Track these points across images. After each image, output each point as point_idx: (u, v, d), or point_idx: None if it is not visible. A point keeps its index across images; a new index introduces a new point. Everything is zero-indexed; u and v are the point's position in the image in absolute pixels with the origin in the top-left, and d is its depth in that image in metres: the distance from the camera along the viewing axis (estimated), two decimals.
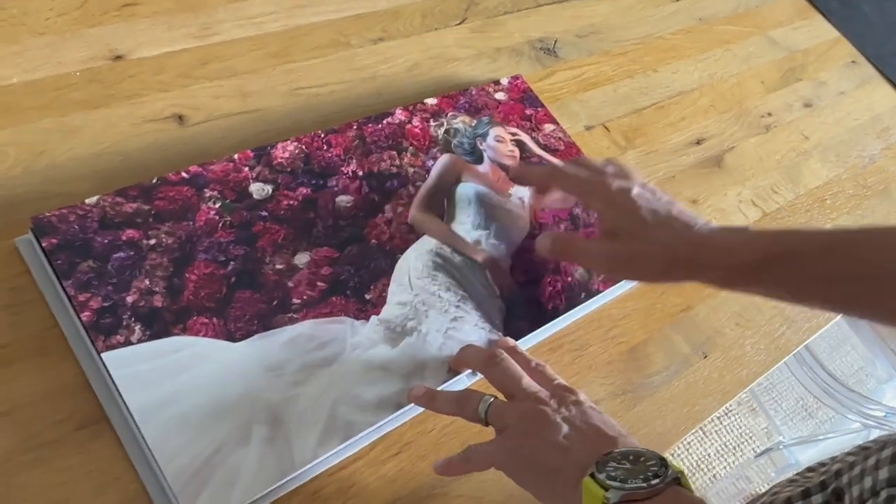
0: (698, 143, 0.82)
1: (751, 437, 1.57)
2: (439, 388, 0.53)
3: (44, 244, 0.48)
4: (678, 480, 0.42)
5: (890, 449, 0.48)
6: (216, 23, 0.67)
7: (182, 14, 0.66)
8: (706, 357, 0.67)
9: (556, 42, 0.83)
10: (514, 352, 0.53)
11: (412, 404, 0.51)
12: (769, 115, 0.90)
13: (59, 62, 0.59)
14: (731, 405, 1.62)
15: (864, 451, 0.51)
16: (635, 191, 0.52)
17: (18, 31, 0.59)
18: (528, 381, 0.50)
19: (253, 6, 0.69)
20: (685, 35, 0.93)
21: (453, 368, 0.54)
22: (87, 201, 0.51)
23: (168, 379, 0.47)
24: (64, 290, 0.48)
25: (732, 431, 1.59)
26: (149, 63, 0.62)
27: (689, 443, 1.55)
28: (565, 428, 0.46)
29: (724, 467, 1.54)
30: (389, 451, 0.52)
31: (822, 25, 1.07)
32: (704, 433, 1.58)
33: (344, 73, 0.69)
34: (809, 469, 0.57)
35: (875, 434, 1.14)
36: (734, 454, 1.55)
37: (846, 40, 1.06)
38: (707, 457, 1.54)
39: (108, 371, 0.46)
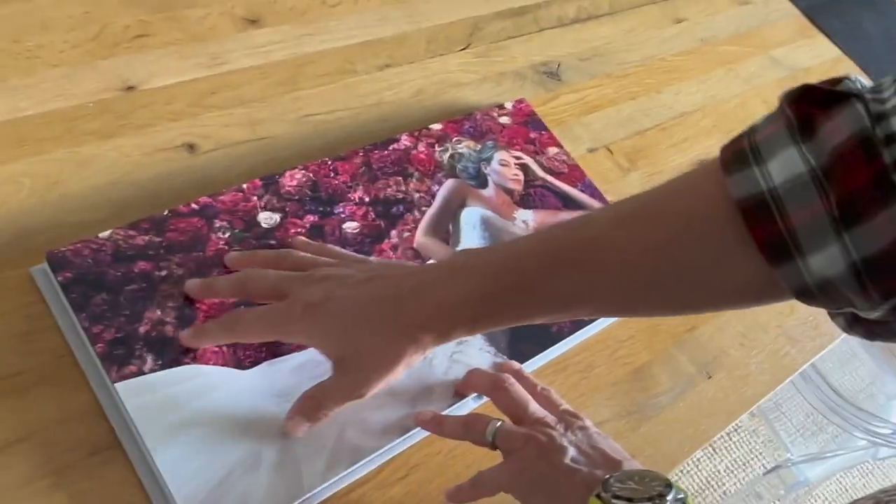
0: (701, 163, 0.83)
1: (761, 455, 1.57)
2: (445, 412, 0.54)
3: (59, 278, 0.49)
4: (683, 501, 0.43)
5: None
6: (225, 52, 0.68)
7: (192, 44, 0.67)
8: (711, 377, 0.67)
9: (558, 66, 0.84)
10: (519, 376, 0.54)
11: (419, 428, 0.52)
12: None
13: (72, 93, 0.61)
14: (740, 422, 1.62)
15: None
16: (321, 298, 0.47)
17: (33, 64, 0.61)
18: (534, 406, 0.51)
19: (261, 35, 0.71)
20: (687, 56, 0.94)
21: (459, 392, 0.55)
22: (100, 235, 0.52)
23: (179, 407, 0.48)
24: (78, 321, 0.49)
25: (742, 448, 1.59)
26: (160, 93, 0.63)
27: (698, 459, 1.55)
28: (572, 451, 0.47)
29: (735, 484, 1.53)
30: (397, 474, 0.53)
31: (824, 44, 1.08)
32: (714, 450, 1.57)
33: (350, 99, 0.71)
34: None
35: (884, 452, 1.14)
36: (744, 470, 1.55)
37: (848, 58, 1.07)
38: (717, 473, 1.54)
39: (121, 400, 0.47)
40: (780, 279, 0.36)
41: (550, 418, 0.50)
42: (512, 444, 0.48)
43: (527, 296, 0.44)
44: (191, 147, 0.62)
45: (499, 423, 0.49)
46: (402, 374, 0.47)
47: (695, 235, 0.40)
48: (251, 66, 0.68)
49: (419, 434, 0.53)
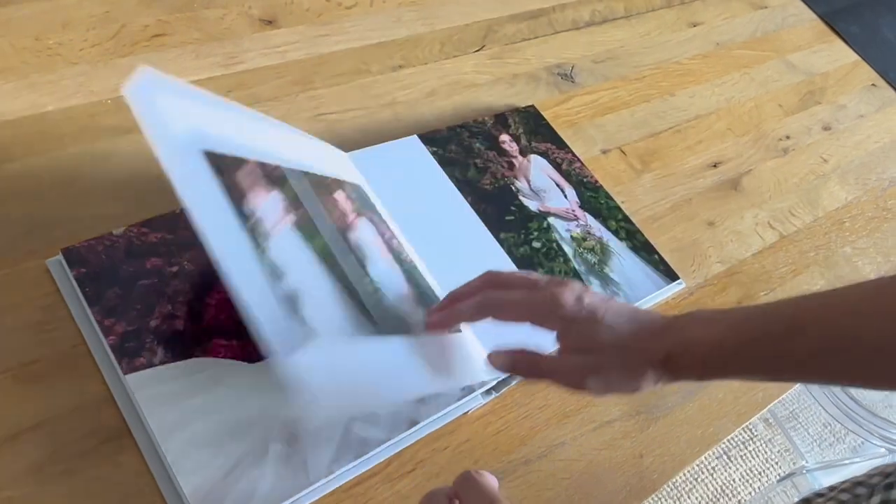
0: (715, 166, 0.83)
1: (776, 464, 1.55)
2: (452, 407, 0.54)
3: (73, 273, 0.50)
4: None
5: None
6: (242, 52, 0.69)
7: (209, 44, 0.68)
8: None
9: (573, 68, 0.84)
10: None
11: (425, 422, 0.53)
12: (787, 138, 0.90)
13: (91, 90, 0.62)
14: (756, 430, 1.60)
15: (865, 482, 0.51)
16: (587, 299, 0.49)
17: (55, 61, 0.62)
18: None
19: (277, 36, 0.72)
20: (702, 60, 0.94)
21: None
22: (114, 232, 0.53)
23: (188, 399, 0.48)
24: (91, 314, 0.50)
25: (758, 457, 1.57)
26: None
27: (713, 468, 1.53)
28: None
29: (749, 492, 1.52)
30: (404, 468, 0.53)
31: (842, 49, 1.07)
32: (729, 458, 1.56)
33: (364, 99, 0.71)
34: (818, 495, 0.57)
35: None
36: (759, 479, 1.53)
37: (866, 63, 1.07)
38: (731, 482, 1.52)
39: (131, 391, 0.48)
40: None
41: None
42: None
43: (769, 347, 0.45)
44: None
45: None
46: (628, 392, 0.49)
47: None
48: (267, 66, 0.69)
49: (427, 428, 0.54)
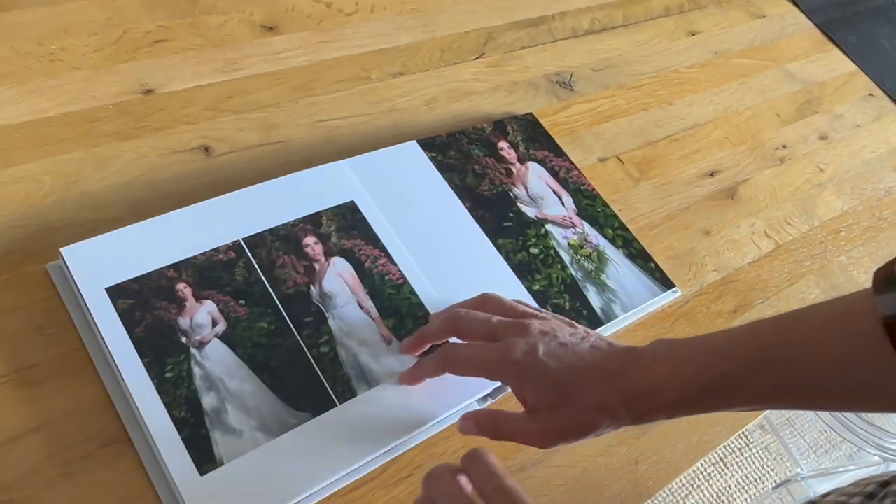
0: (712, 174, 0.84)
1: (772, 471, 1.56)
2: (444, 416, 0.54)
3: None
4: None
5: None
6: (242, 58, 0.70)
7: (210, 50, 0.69)
8: None
9: (571, 76, 0.85)
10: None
11: (421, 429, 0.53)
12: (784, 147, 0.91)
13: (93, 96, 0.62)
14: (752, 437, 1.61)
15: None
16: (541, 350, 0.48)
17: (56, 67, 0.63)
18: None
19: (278, 42, 0.72)
20: (701, 69, 0.95)
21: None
22: None
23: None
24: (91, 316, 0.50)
25: (754, 464, 1.58)
26: (177, 97, 0.65)
27: (709, 474, 1.54)
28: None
29: (745, 499, 1.52)
30: (401, 473, 0.54)
31: (840, 59, 1.08)
32: (725, 465, 1.56)
33: (364, 106, 0.72)
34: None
35: (894, 467, 1.13)
36: (755, 486, 1.53)
37: (863, 73, 1.07)
38: (728, 488, 1.53)
39: (131, 396, 0.48)
40: None
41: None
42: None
43: (734, 385, 0.45)
44: (206, 149, 0.63)
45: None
46: (583, 439, 0.48)
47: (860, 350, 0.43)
48: (268, 72, 0.70)
49: (422, 435, 0.54)
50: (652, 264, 0.70)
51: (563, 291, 0.64)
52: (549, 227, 0.68)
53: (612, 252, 0.69)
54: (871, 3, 1.22)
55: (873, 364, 0.41)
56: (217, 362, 0.51)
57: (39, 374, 0.49)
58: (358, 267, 0.59)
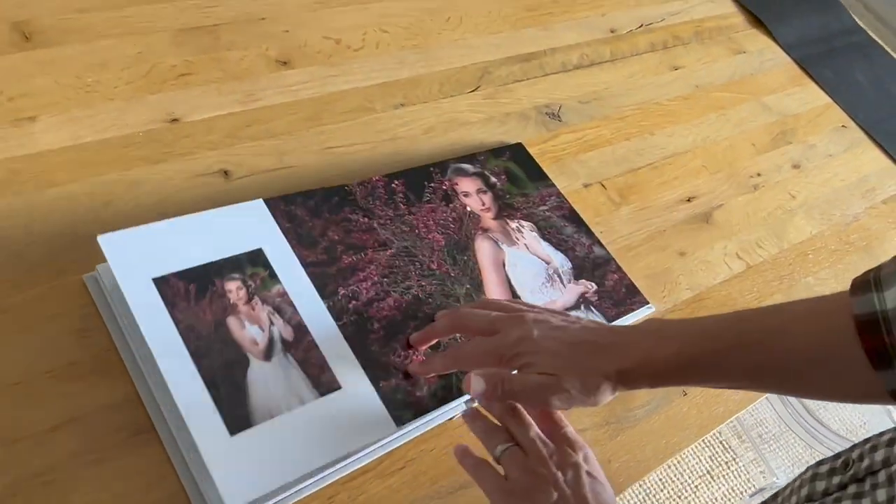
0: (689, 200, 0.90)
1: (757, 484, 1.61)
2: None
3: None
4: None
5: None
6: (259, 90, 0.77)
7: (230, 82, 0.76)
8: (686, 394, 0.74)
9: (560, 107, 0.92)
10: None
11: (411, 426, 0.59)
12: (758, 175, 0.98)
13: (125, 124, 0.69)
14: (738, 451, 1.66)
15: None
16: (535, 333, 0.54)
17: (92, 97, 0.70)
18: (535, 431, 0.54)
19: (291, 76, 0.79)
20: (682, 101, 1.02)
21: (465, 391, 0.58)
22: None
23: None
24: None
25: (740, 476, 1.63)
26: (200, 125, 0.72)
27: (696, 486, 1.59)
28: (554, 496, 0.51)
29: None
30: (395, 465, 0.60)
31: (815, 92, 1.15)
32: (712, 477, 1.62)
33: (368, 134, 0.79)
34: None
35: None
36: (741, 498, 1.59)
37: (837, 106, 1.14)
38: (713, 500, 1.58)
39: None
40: (881, 380, 0.45)
41: (548, 449, 0.53)
42: (510, 469, 0.53)
43: (715, 362, 0.52)
44: (226, 173, 0.70)
45: (508, 447, 0.54)
46: (589, 405, 0.54)
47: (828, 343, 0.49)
48: (281, 103, 0.77)
49: (413, 432, 0.60)
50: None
51: None
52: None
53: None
54: (848, 38, 1.29)
55: (842, 356, 0.47)
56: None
57: (79, 370, 0.55)
58: None
